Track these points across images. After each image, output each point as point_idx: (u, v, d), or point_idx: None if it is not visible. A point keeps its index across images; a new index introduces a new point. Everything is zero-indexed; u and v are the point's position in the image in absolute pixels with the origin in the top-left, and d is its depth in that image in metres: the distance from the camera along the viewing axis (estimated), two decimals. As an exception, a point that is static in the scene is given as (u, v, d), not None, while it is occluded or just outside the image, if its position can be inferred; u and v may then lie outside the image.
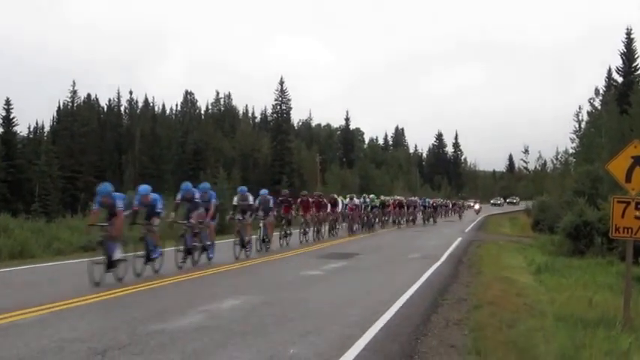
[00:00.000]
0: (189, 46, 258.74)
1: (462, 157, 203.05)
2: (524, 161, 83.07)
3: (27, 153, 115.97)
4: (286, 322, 11.84)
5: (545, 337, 11.50)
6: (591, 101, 63.27)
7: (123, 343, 9.65)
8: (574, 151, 64.25)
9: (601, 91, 65.69)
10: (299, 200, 34.12)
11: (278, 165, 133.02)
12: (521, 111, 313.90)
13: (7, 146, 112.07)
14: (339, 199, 41.22)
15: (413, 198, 68.76)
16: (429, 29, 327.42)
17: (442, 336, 11.29)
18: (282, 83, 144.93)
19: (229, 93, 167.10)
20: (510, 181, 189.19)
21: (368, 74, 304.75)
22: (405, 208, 57.89)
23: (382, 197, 54.31)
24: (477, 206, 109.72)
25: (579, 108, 63.71)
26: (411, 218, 59.34)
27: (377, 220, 49.24)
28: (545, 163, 74.90)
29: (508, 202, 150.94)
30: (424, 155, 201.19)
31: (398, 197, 61.50)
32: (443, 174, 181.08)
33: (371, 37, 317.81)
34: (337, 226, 39.85)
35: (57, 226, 20.62)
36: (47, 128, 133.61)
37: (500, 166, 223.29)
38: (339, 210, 40.11)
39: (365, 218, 45.71)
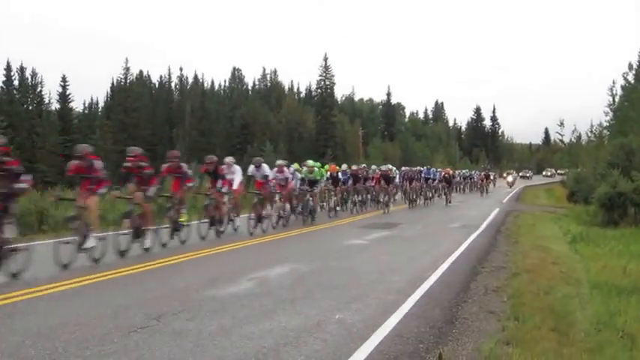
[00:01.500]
0: (236, 24, 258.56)
1: (500, 131, 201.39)
2: (560, 134, 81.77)
3: (83, 128, 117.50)
4: (332, 289, 11.96)
5: (581, 303, 11.52)
6: (625, 75, 62.18)
7: (177, 309, 9.84)
8: (608, 124, 63.13)
9: (634, 66, 64.60)
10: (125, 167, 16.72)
11: (322, 139, 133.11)
12: (557, 85, 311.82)
13: (63, 121, 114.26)
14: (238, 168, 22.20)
15: (415, 168, 48.72)
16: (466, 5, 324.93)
17: (482, 302, 11.36)
18: (325, 59, 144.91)
19: (275, 69, 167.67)
20: (546, 153, 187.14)
21: (409, 50, 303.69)
22: (402, 181, 42.17)
23: (354, 167, 35.93)
24: (510, 178, 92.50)
25: (613, 82, 62.37)
26: (411, 197, 40.75)
27: (324, 204, 31.94)
28: (579, 136, 73.56)
29: (521, 176, 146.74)
30: (463, 129, 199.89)
31: (384, 167, 38.32)
32: (481, 147, 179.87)
33: (411, 12, 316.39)
34: (231, 218, 21.77)
35: (110, 198, 20.36)
36: (101, 104, 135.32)
37: (537, 139, 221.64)
38: (236, 187, 21.40)
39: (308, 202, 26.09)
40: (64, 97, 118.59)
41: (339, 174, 33.87)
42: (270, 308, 10.15)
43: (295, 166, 28.94)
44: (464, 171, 78.32)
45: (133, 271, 13.30)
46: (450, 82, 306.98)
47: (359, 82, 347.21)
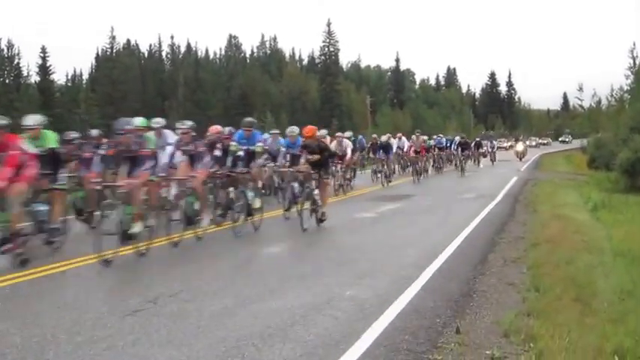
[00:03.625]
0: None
1: (516, 97, 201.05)
2: (579, 99, 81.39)
3: (66, 102, 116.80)
4: (343, 265, 11.98)
5: (604, 272, 11.56)
6: (646, 37, 62.48)
7: (175, 290, 9.83)
8: (629, 87, 62.99)
9: (656, 27, 64.91)
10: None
11: (327, 108, 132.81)
12: (575, 48, 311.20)
13: (44, 95, 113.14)
14: None
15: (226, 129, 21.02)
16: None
17: (500, 274, 11.39)
18: (329, 25, 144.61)
19: (275, 36, 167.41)
20: (565, 119, 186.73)
21: (418, 13, 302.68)
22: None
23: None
24: (519, 147, 72.27)
25: (634, 44, 62.20)
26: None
27: None
28: (599, 101, 73.49)
29: (510, 146, 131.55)
30: (477, 95, 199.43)
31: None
32: (497, 113, 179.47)
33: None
34: None
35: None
36: (86, 76, 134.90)
37: (555, 105, 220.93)
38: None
39: None
40: (44, 69, 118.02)
41: None
42: (277, 286, 10.18)
43: None
44: (442, 137, 50.84)
45: (126, 252, 13.19)
46: (462, 47, 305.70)
47: (365, 48, 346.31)
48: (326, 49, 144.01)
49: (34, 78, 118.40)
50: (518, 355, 7.24)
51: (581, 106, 79.50)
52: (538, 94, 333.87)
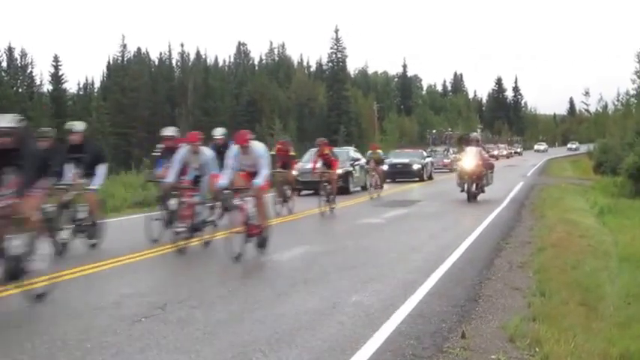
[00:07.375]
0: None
1: (522, 102, 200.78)
2: (585, 104, 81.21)
3: (78, 110, 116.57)
4: (348, 270, 11.95)
5: (610, 277, 11.55)
6: (653, 41, 62.40)
7: (183, 297, 9.82)
8: (636, 91, 62.84)
9: (662, 32, 64.76)
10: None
11: (335, 114, 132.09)
12: (582, 54, 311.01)
13: (56, 104, 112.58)
14: None
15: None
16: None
17: (506, 279, 11.35)
18: (336, 32, 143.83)
19: (283, 43, 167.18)
20: (572, 124, 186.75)
21: (425, 20, 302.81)
22: None
23: None
24: (468, 161, 26.32)
25: (640, 48, 62.38)
26: None
27: None
28: (606, 105, 73.40)
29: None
30: (484, 101, 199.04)
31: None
32: (503, 119, 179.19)
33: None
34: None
35: (111, 183, 18.76)
36: (97, 84, 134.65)
37: (562, 110, 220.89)
38: None
39: None
40: (56, 78, 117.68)
41: None
42: (283, 291, 10.16)
43: None
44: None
45: (137, 259, 13.24)
46: (469, 53, 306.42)
47: (372, 55, 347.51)
48: (334, 55, 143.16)
49: (47, 87, 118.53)
50: (524, 359, 7.23)
51: (587, 110, 79.32)
52: (544, 99, 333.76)
